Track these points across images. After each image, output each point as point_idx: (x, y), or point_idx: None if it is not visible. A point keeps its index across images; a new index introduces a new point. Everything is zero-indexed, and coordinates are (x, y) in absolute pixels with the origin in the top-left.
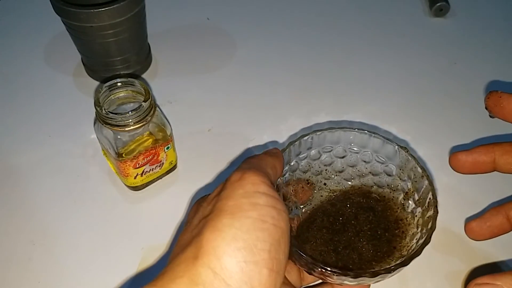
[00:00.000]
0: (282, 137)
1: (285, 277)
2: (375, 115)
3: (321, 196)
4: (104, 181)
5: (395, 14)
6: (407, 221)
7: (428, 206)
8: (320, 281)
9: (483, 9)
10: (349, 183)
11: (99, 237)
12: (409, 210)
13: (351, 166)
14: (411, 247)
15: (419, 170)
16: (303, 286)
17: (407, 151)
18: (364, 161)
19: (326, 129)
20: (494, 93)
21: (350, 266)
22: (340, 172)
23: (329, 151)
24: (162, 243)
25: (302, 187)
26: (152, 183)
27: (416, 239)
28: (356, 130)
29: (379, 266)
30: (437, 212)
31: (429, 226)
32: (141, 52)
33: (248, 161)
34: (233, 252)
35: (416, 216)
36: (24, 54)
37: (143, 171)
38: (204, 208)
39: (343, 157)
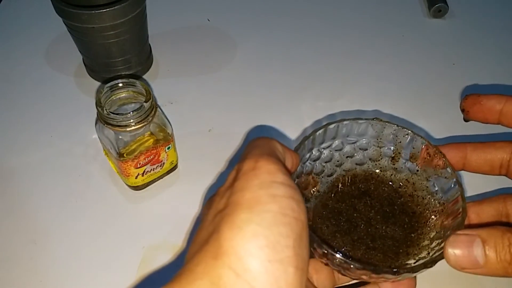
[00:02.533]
0: (282, 137)
1: (308, 280)
2: (373, 115)
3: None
4: (106, 181)
5: (394, 15)
6: (408, 182)
7: (432, 155)
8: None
9: (482, 11)
10: (333, 176)
11: (100, 237)
12: (405, 170)
13: (327, 162)
14: (437, 200)
15: (398, 127)
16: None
17: (380, 120)
18: (338, 150)
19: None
20: (472, 94)
21: (400, 250)
22: (322, 172)
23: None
24: (163, 242)
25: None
26: (153, 183)
27: (434, 192)
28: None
29: (422, 236)
30: (445, 155)
31: (447, 169)
32: (142, 53)
33: (255, 144)
34: (255, 251)
35: (417, 171)
36: (25, 55)
37: (144, 171)
38: (217, 202)
39: (318, 159)
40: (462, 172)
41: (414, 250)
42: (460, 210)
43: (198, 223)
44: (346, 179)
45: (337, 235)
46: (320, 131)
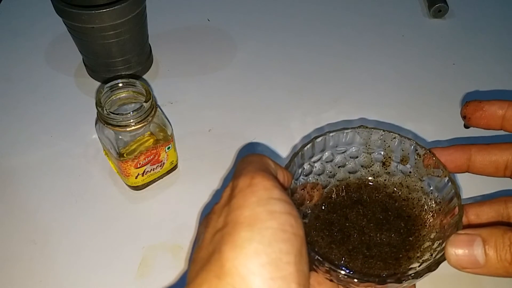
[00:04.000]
0: (281, 138)
1: None
2: (373, 116)
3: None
4: (105, 181)
5: (394, 15)
6: (402, 185)
7: (422, 155)
8: None
9: (482, 11)
10: (327, 188)
11: (100, 237)
12: (398, 173)
13: (319, 174)
14: (433, 200)
15: (384, 132)
16: None
17: (366, 127)
18: (328, 162)
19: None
20: (473, 101)
21: (400, 255)
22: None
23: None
24: (163, 242)
25: (312, 189)
26: (153, 183)
27: (429, 192)
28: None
29: (421, 238)
30: (435, 155)
31: (439, 168)
32: (142, 53)
33: (248, 161)
34: (257, 269)
35: (410, 173)
36: (25, 55)
37: (144, 171)
38: (215, 221)
39: (311, 173)
40: (463, 173)
41: (415, 254)
42: (457, 208)
43: (198, 223)
44: (340, 189)
45: (333, 246)
46: (308, 146)
